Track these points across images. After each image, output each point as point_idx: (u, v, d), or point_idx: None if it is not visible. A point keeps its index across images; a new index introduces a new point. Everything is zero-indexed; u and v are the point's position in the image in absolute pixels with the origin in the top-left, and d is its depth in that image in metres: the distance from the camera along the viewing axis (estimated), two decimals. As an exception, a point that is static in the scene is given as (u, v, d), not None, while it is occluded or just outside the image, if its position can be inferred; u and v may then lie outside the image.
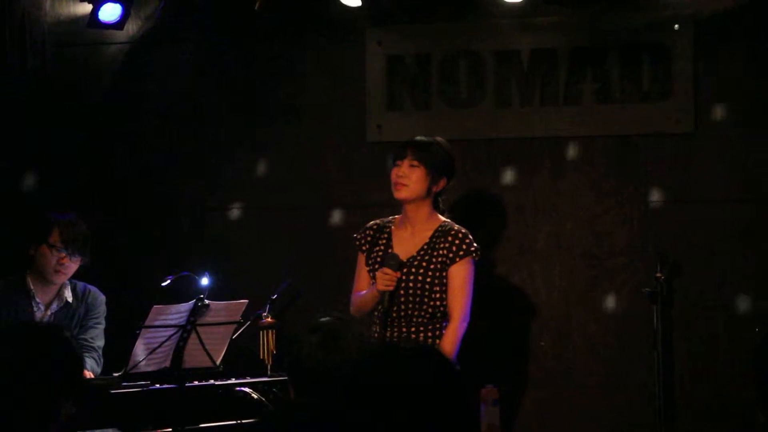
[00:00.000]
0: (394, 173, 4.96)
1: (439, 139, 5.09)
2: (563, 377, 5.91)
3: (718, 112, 5.74)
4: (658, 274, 5.64)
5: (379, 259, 5.01)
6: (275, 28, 6.22)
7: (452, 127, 6.01)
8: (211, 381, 4.98)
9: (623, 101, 5.85)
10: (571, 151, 5.92)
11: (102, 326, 5.45)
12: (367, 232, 5.12)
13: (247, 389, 4.95)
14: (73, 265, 5.33)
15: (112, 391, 4.81)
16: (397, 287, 4.88)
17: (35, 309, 5.35)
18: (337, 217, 6.14)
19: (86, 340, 5.33)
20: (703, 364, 5.74)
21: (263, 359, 5.35)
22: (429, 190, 4.95)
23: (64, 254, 5.28)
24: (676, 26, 5.75)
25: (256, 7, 5.89)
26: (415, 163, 4.92)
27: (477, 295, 5.47)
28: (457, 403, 2.25)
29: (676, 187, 5.80)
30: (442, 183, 4.98)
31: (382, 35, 6.14)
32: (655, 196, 5.82)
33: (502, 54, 5.99)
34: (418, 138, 5.06)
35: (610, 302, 5.85)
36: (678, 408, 5.73)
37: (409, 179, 4.92)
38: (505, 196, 6.01)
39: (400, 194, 4.96)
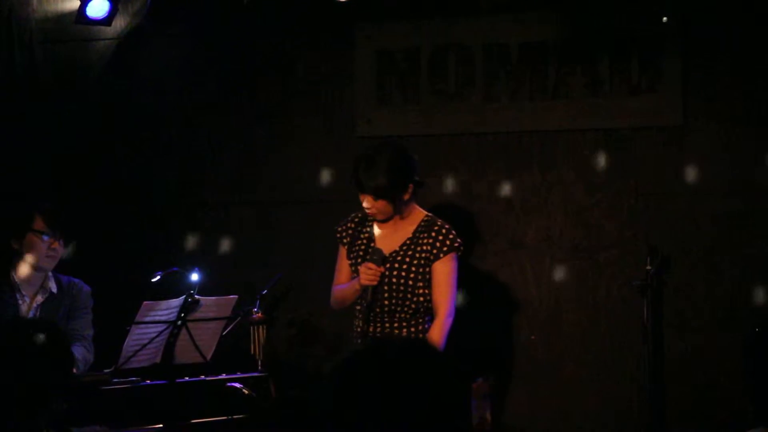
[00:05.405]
0: (362, 202, 4.91)
1: (385, 149, 4.91)
2: (553, 370, 5.92)
3: (707, 105, 5.75)
4: (648, 267, 5.65)
5: (361, 253, 4.99)
6: (265, 24, 6.22)
7: (441, 122, 6.02)
8: (202, 377, 4.98)
9: (612, 95, 5.86)
10: (561, 145, 5.93)
11: (90, 316, 5.44)
12: (348, 224, 5.11)
13: (237, 384, 4.95)
14: (61, 249, 5.33)
15: (103, 387, 4.81)
16: (380, 282, 4.87)
17: (20, 302, 5.34)
18: (326, 211, 6.14)
19: (75, 329, 5.32)
20: (693, 357, 5.75)
21: (254, 354, 5.35)
22: (401, 203, 4.92)
23: (53, 239, 5.29)
24: (665, 19, 5.76)
25: (245, 2, 5.89)
26: (373, 197, 4.88)
27: (468, 289, 5.48)
28: (452, 400, 2.24)
29: (665, 180, 5.81)
30: (410, 189, 4.91)
31: (372, 30, 6.14)
32: (645, 189, 5.82)
33: (491, 48, 5.99)
34: (364, 168, 4.85)
35: (600, 296, 5.86)
36: (667, 400, 5.74)
37: (378, 209, 4.90)
38: (494, 189, 6.01)
39: (378, 219, 4.97)
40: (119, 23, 6.36)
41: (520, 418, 5.93)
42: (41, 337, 2.88)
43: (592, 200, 5.90)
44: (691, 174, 5.75)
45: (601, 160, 5.89)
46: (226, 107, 6.34)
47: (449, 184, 6.01)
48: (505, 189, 6.00)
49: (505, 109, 5.99)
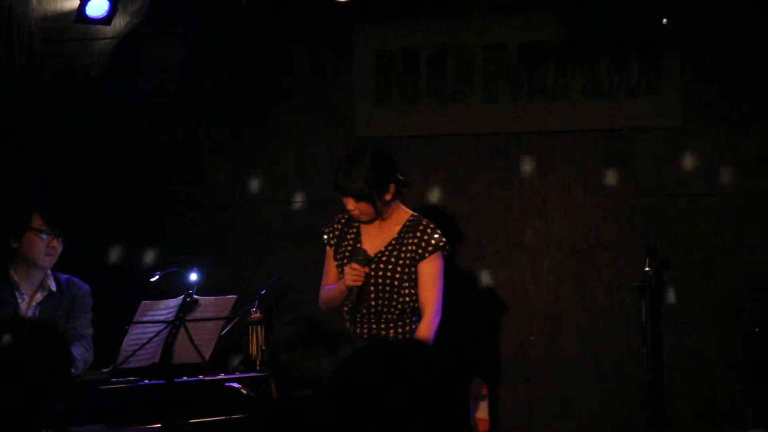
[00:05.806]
0: (346, 205, 4.93)
1: (363, 152, 4.97)
2: (552, 371, 5.91)
3: (707, 105, 5.75)
4: (647, 269, 5.64)
5: (347, 254, 4.99)
6: (264, 23, 6.21)
7: (440, 122, 6.02)
8: (200, 376, 4.98)
9: (611, 95, 5.86)
10: (560, 146, 5.93)
11: (89, 315, 5.44)
12: (335, 226, 5.11)
13: (236, 384, 4.95)
14: (60, 247, 5.34)
15: (101, 387, 4.81)
16: (366, 283, 4.87)
17: (20, 300, 5.34)
18: (326, 212, 6.13)
19: (75, 328, 5.33)
20: (692, 358, 5.75)
21: (251, 354, 5.35)
22: (383, 204, 4.92)
23: (52, 237, 5.29)
24: (664, 20, 5.76)
25: (244, 1, 5.89)
26: (354, 199, 4.90)
27: (466, 289, 5.48)
28: (451, 400, 2.24)
29: (664, 182, 5.81)
30: (391, 189, 4.91)
31: (371, 30, 6.14)
32: (644, 191, 5.82)
33: (491, 48, 5.99)
34: (343, 171, 4.90)
35: (599, 296, 5.86)
36: (667, 401, 5.74)
37: (361, 211, 4.91)
38: (493, 190, 6.01)
39: (363, 220, 4.98)
40: (119, 23, 6.35)
41: (519, 418, 5.93)
42: (6, 338, 2.86)
43: (591, 201, 5.89)
44: (691, 174, 5.75)
45: (600, 161, 5.89)
46: (226, 107, 6.34)
47: (448, 184, 6.01)
48: (505, 189, 5.99)
49: (504, 109, 5.99)
